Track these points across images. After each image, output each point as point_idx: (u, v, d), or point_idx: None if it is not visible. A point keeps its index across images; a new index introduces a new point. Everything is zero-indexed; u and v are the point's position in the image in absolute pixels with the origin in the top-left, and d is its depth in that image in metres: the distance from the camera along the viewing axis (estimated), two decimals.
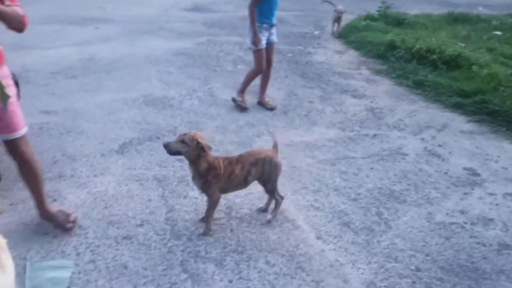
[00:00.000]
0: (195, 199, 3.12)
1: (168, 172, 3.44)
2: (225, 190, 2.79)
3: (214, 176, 2.66)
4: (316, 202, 3.18)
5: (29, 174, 2.60)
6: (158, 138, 3.97)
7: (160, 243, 2.66)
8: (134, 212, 2.95)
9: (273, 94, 5.05)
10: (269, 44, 4.54)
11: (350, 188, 3.38)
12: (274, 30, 4.52)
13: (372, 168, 3.67)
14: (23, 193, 3.06)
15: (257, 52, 4.45)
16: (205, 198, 2.86)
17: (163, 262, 2.52)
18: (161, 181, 3.32)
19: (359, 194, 3.31)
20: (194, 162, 2.64)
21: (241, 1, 10.52)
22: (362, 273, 2.53)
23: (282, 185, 3.34)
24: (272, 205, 2.98)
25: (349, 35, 7.77)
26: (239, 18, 8.73)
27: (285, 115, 4.61)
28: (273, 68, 4.82)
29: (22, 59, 5.73)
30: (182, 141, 2.57)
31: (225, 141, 3.98)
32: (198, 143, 2.57)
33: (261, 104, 4.75)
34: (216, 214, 2.93)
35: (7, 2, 2.16)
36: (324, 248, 2.72)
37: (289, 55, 6.65)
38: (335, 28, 7.80)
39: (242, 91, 4.66)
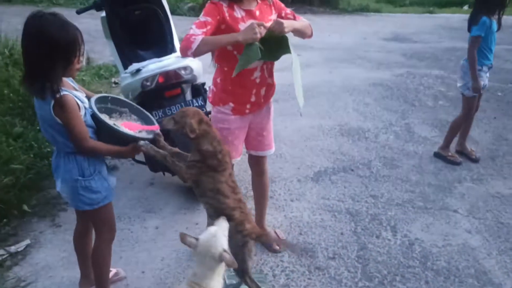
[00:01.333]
0: (388, 241, 3.04)
1: (361, 207, 3.43)
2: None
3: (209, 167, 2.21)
4: None
5: (260, 187, 2.96)
6: (352, 170, 3.99)
7: (351, 281, 2.66)
8: (326, 243, 3.02)
9: (478, 136, 4.65)
10: (482, 88, 4.02)
11: None
12: (488, 73, 4.02)
13: None
14: None
15: (471, 99, 3.99)
16: None
17: None
18: (354, 216, 3.32)
19: None
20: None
21: (445, 31, 10.04)
22: None
23: (486, 241, 3.05)
24: None
25: None
26: (442, 49, 8.31)
27: (492, 161, 4.19)
28: (479, 107, 4.40)
29: None
30: (173, 118, 2.22)
31: (422, 182, 3.80)
32: (186, 123, 2.14)
33: (462, 153, 4.27)
34: (410, 262, 2.82)
35: (289, 16, 2.57)
36: None
37: (499, 93, 6.05)
38: None
39: (447, 145, 4.20)
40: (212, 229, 1.92)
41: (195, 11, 10.62)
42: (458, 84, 4.10)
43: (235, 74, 2.26)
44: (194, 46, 2.19)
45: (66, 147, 2.10)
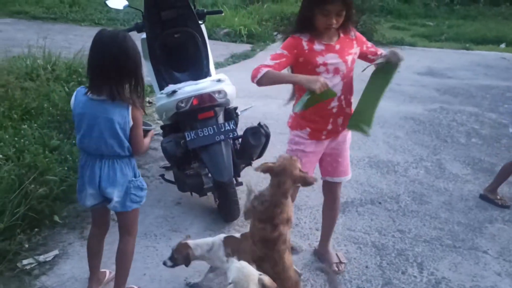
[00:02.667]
0: (414, 278, 2.98)
1: (388, 242, 3.38)
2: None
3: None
4: None
5: (330, 212, 3.05)
6: (379, 203, 3.95)
7: None
8: (350, 275, 2.98)
9: (511, 177, 4.53)
10: None
11: None
12: None
13: None
14: None
15: None
16: None
17: None
18: (380, 250, 3.27)
19: None
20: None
21: (481, 68, 9.88)
22: None
23: None
24: None
25: None
26: (476, 86, 8.19)
27: None
28: None
29: (265, 108, 6.39)
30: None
31: (451, 220, 3.72)
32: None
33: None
34: None
35: (371, 49, 2.70)
36: None
37: None
38: None
39: (495, 189, 4.09)
40: (234, 265, 1.90)
41: (230, 37, 10.77)
42: (510, 130, 4.06)
43: (298, 110, 2.37)
44: (258, 76, 2.35)
45: (128, 151, 2.27)
